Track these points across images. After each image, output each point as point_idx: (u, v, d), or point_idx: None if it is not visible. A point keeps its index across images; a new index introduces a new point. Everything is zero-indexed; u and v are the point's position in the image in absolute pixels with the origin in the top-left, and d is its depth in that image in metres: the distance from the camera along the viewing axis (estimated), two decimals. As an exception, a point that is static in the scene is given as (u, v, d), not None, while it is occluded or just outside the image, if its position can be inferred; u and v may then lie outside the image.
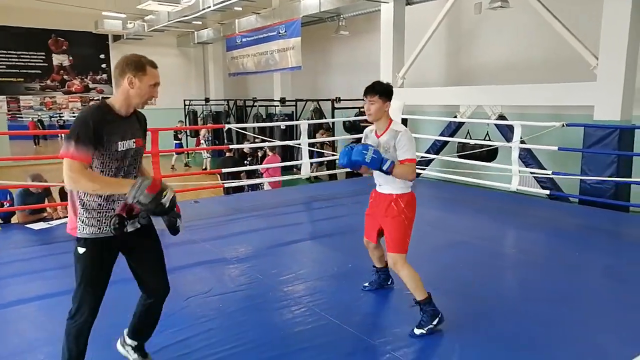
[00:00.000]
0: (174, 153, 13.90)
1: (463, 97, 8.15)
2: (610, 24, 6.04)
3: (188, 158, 15.44)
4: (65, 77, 15.50)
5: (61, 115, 26.19)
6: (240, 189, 8.04)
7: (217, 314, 3.13)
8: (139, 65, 2.14)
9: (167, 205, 2.06)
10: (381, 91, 2.93)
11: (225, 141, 14.80)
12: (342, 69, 13.53)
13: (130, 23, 13.68)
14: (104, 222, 2.15)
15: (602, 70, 6.18)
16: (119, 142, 2.14)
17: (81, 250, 2.16)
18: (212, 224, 5.61)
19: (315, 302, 3.36)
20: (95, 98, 16.10)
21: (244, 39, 13.80)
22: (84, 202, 2.15)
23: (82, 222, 2.15)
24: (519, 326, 2.97)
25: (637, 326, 3.00)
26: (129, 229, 2.21)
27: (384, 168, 2.80)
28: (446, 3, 8.25)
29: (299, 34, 11.55)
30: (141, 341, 2.51)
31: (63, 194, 5.74)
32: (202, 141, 14.59)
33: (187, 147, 15.87)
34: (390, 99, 2.97)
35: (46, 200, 5.72)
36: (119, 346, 2.55)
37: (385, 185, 3.03)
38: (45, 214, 5.68)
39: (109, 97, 2.23)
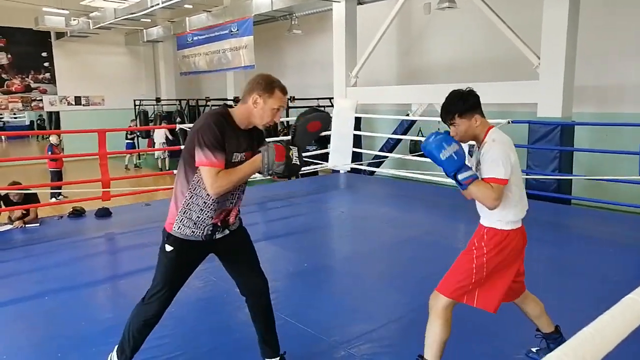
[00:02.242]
0: (127, 154, 13.52)
1: (414, 96, 8.32)
2: (550, 25, 6.33)
3: (139, 159, 15.00)
4: (3, 76, 14.67)
5: (1, 116, 24.85)
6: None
7: (169, 319, 3.04)
8: (269, 87, 2.13)
9: (300, 163, 2.14)
10: (460, 110, 2.21)
11: (181, 141, 14.43)
12: (296, 68, 13.51)
13: (74, 20, 13.10)
14: (199, 228, 2.18)
15: (543, 70, 6.46)
16: (234, 153, 2.12)
17: (169, 248, 2.18)
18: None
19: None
20: (37, 98, 15.35)
21: (195, 38, 13.52)
22: (186, 208, 2.15)
23: (179, 222, 2.16)
24: (465, 315, 3.06)
25: (580, 314, 3.14)
26: (217, 236, 2.26)
27: (459, 177, 2.16)
28: (396, 3, 8.39)
29: (252, 32, 11.44)
30: (269, 350, 2.44)
31: (7, 200, 5.43)
32: (162, 141, 14.09)
33: (138, 148, 15.41)
34: (475, 111, 2.23)
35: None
36: None
37: (482, 215, 2.31)
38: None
39: (232, 107, 2.21)
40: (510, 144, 2.20)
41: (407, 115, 8.38)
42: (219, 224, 2.22)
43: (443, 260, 4.24)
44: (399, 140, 8.77)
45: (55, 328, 2.89)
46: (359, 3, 9.41)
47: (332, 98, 10.00)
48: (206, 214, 2.16)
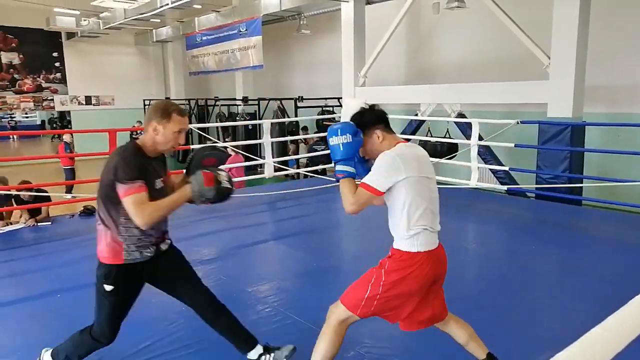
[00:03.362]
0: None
1: (423, 96, 8.30)
2: (560, 23, 6.29)
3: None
4: (15, 76, 14.84)
5: (12, 115, 25.12)
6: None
7: (180, 317, 3.08)
8: (165, 114, 2.17)
9: (230, 185, 2.20)
10: (359, 125, 2.15)
11: (191, 141, 14.50)
12: (304, 67, 13.53)
13: (85, 20, 13.23)
14: (145, 248, 2.23)
15: (554, 69, 6.42)
16: (155, 180, 2.19)
17: (109, 287, 2.19)
18: (175, 225, 5.45)
19: (280, 301, 3.35)
20: (48, 98, 15.50)
21: (204, 38, 13.59)
22: (126, 236, 2.18)
23: (127, 250, 2.19)
24: (473, 317, 3.05)
25: (590, 315, 3.13)
26: (163, 247, 2.34)
27: (336, 168, 2.14)
28: (405, 3, 8.38)
29: (260, 32, 11.48)
30: (250, 348, 2.48)
31: (19, 199, 5.51)
32: None
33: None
34: (374, 127, 2.16)
35: (5, 206, 5.52)
36: None
37: (391, 227, 2.16)
38: (3, 220, 5.47)
39: (137, 139, 2.27)
40: (406, 159, 2.05)
41: (416, 115, 8.36)
42: (159, 241, 2.32)
43: (451, 260, 4.25)
44: (408, 140, 8.73)
45: (66, 326, 2.91)
46: (368, 3, 9.40)
47: (341, 98, 10.01)
48: (147, 239, 2.23)
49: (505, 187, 6.84)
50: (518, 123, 6.34)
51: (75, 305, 3.33)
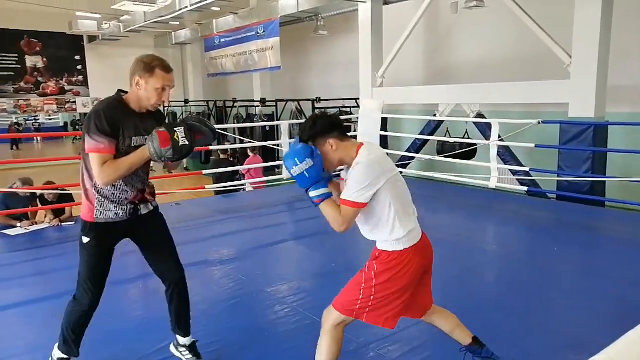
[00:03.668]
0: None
1: (441, 96, 8.24)
2: (582, 22, 6.18)
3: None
4: (39, 79, 15.16)
5: (36, 118, 25.68)
6: (232, 190, 8.02)
7: (200, 317, 3.11)
8: (148, 68, 2.11)
9: (188, 142, 2.10)
10: (308, 137, 2.06)
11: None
12: (321, 68, 13.55)
13: (106, 24, 13.46)
14: (121, 208, 2.22)
15: (575, 68, 6.32)
16: (133, 138, 2.14)
17: (85, 239, 2.21)
18: (195, 226, 5.58)
19: (299, 302, 3.37)
20: (71, 100, 15.80)
21: (222, 40, 13.70)
22: (100, 196, 2.18)
23: (100, 208, 2.19)
24: (494, 319, 3.03)
25: (610, 317, 3.08)
26: (143, 211, 2.31)
27: (310, 195, 2.02)
28: (423, 3, 8.33)
29: (278, 34, 11.53)
30: (183, 334, 2.53)
31: (44, 199, 5.64)
32: None
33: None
34: (328, 135, 2.04)
35: (30, 206, 5.65)
36: (172, 349, 2.60)
37: (369, 231, 2.14)
38: (29, 221, 5.60)
39: (126, 92, 2.21)
40: (380, 162, 2.00)
41: (434, 115, 8.31)
42: (137, 201, 2.27)
43: (469, 261, 4.24)
44: (426, 140, 8.71)
45: (91, 323, 2.98)
46: (385, 3, 9.37)
47: (358, 99, 10.00)
48: (122, 195, 2.21)
49: (525, 188, 6.75)
50: (539, 123, 6.26)
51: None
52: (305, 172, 1.97)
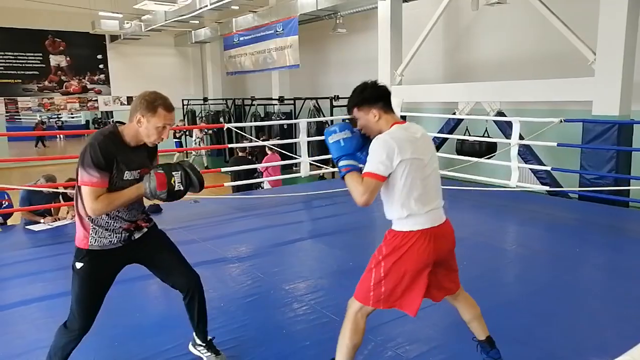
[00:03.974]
0: (176, 152, 13.99)
1: (461, 94, 8.16)
2: (607, 18, 6.05)
3: (187, 158, 15.43)
4: (62, 77, 15.46)
5: (59, 116, 26.19)
6: (250, 188, 8.07)
7: (218, 314, 3.14)
8: (151, 107, 2.13)
9: (183, 188, 2.17)
10: (355, 102, 2.17)
11: (226, 141, 14.76)
12: (340, 66, 13.52)
13: (127, 23, 13.65)
14: (115, 235, 2.24)
15: (599, 66, 6.18)
16: (126, 172, 2.17)
17: (79, 265, 2.22)
18: (213, 223, 5.62)
19: (317, 300, 3.37)
20: (93, 98, 16.07)
21: (241, 38, 13.78)
22: (94, 224, 2.21)
23: (95, 235, 2.21)
24: (517, 320, 2.98)
25: (635, 320, 3.01)
26: (136, 236, 2.32)
27: (339, 164, 2.13)
28: (443, 0, 8.25)
29: (297, 32, 11.55)
30: (201, 336, 2.55)
31: (66, 196, 5.75)
32: (195, 142, 14.55)
33: (186, 146, 15.89)
34: (373, 104, 2.13)
35: (53, 202, 5.76)
36: (190, 348, 2.62)
37: (386, 210, 2.19)
38: (52, 216, 5.71)
39: (122, 124, 2.23)
40: (399, 143, 2.02)
41: (454, 113, 8.23)
42: (132, 229, 2.30)
43: (491, 261, 4.18)
44: (445, 139, 8.63)
45: (111, 318, 3.02)
46: (405, 0, 9.31)
47: (377, 97, 9.93)
48: (117, 224, 2.23)
49: (546, 188, 6.64)
50: (561, 121, 6.14)
51: (119, 298, 3.43)
52: (341, 140, 2.11)
